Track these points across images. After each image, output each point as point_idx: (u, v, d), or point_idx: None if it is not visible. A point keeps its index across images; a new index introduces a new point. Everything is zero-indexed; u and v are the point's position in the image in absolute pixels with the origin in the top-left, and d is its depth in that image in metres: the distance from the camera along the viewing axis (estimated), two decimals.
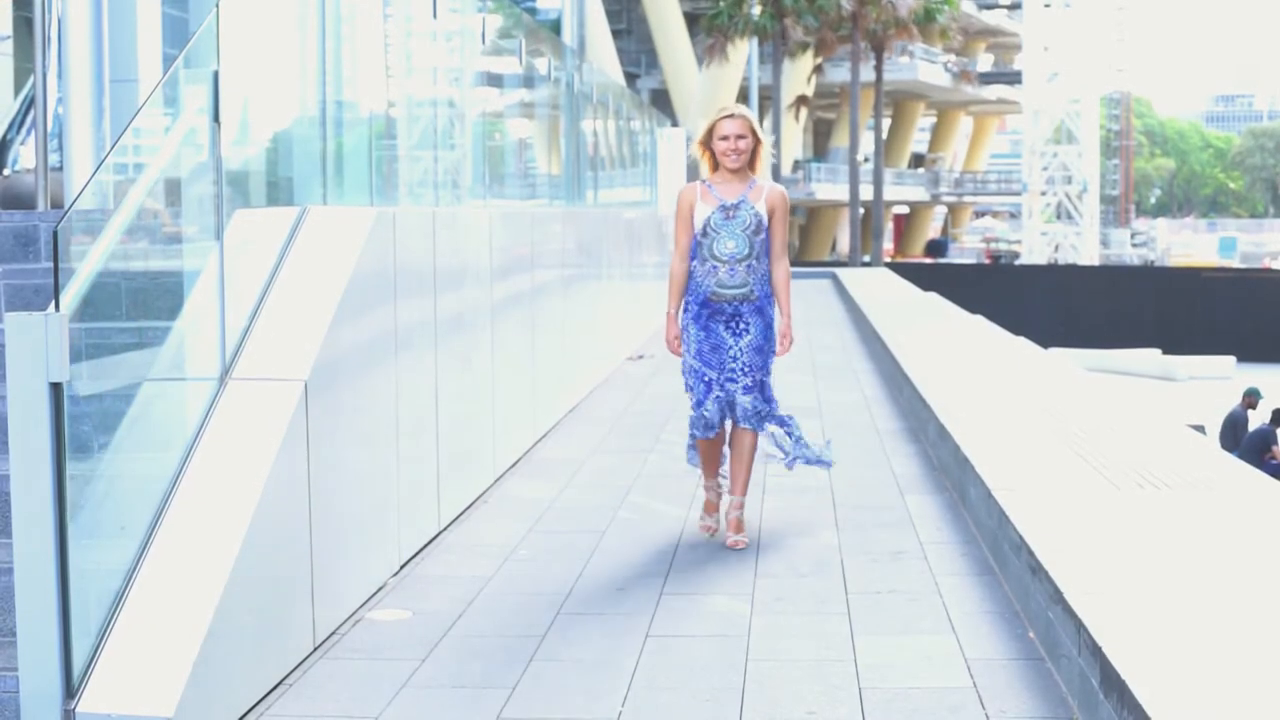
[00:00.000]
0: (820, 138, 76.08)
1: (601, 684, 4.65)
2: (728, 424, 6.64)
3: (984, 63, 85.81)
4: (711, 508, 6.77)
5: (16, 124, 9.16)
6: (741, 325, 6.45)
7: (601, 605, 5.58)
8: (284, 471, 4.73)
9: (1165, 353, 35.10)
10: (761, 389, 6.53)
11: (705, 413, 6.50)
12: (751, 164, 6.49)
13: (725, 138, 6.39)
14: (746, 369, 6.46)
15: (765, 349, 6.50)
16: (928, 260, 65.89)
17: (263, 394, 4.84)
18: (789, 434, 6.82)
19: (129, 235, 4.52)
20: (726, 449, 6.75)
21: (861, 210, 48.28)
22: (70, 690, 3.88)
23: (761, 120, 62.28)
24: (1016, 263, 64.19)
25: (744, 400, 6.47)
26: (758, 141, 6.45)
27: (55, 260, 3.93)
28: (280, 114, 6.00)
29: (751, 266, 6.41)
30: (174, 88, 4.74)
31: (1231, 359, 34.26)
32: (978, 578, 5.88)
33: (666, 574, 6.00)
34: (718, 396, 6.48)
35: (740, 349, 6.45)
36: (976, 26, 75.64)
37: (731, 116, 6.44)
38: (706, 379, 6.48)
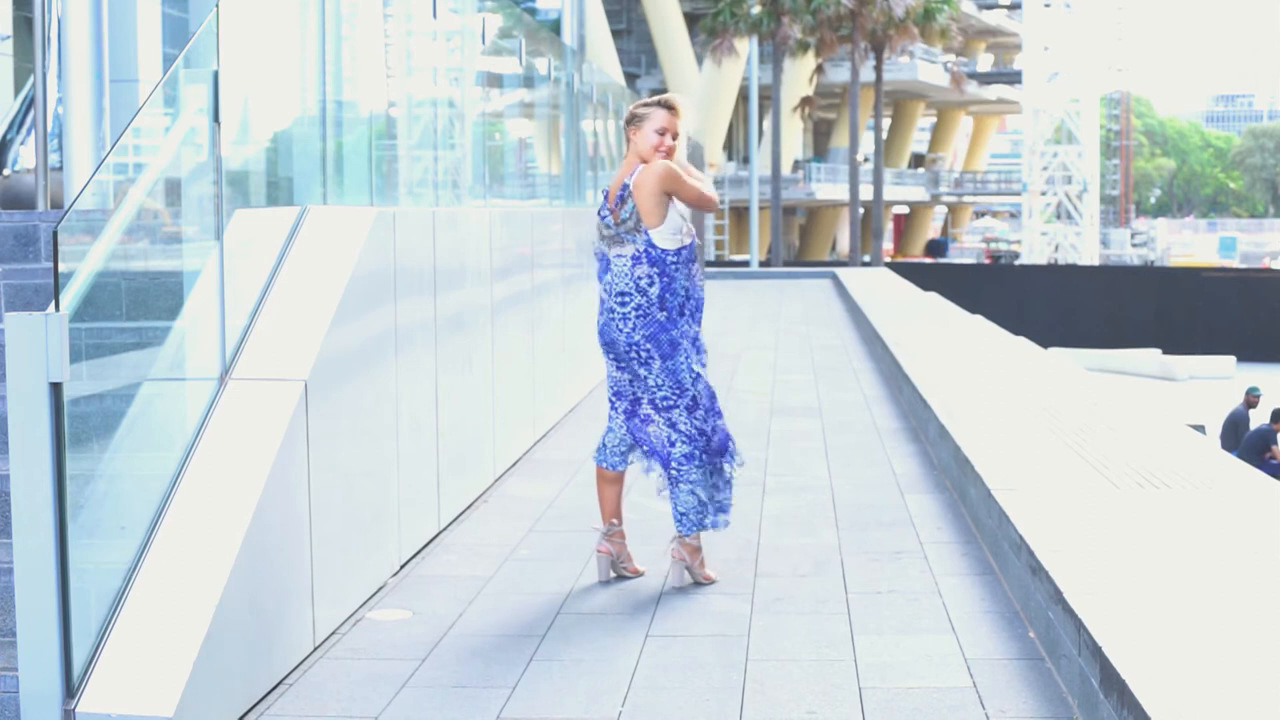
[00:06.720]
0: (820, 138, 76.13)
1: (601, 684, 4.65)
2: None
3: (984, 63, 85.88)
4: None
5: (16, 124, 9.16)
6: None
7: (601, 605, 5.58)
8: (284, 471, 4.73)
9: (1165, 353, 35.11)
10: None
11: None
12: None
13: (663, 132, 5.73)
14: None
15: None
16: (928, 260, 65.94)
17: (263, 394, 4.84)
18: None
19: (129, 235, 4.52)
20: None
21: (861, 210, 48.30)
22: (70, 690, 3.88)
23: (761, 119, 62.58)
24: (1016, 263, 64.21)
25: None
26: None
27: (55, 260, 3.93)
28: (280, 114, 6.00)
29: None
30: (174, 88, 4.74)
31: (1231, 359, 34.27)
32: (978, 577, 5.88)
33: (667, 574, 6.00)
34: None
35: None
36: (976, 26, 75.67)
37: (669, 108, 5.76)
38: None
